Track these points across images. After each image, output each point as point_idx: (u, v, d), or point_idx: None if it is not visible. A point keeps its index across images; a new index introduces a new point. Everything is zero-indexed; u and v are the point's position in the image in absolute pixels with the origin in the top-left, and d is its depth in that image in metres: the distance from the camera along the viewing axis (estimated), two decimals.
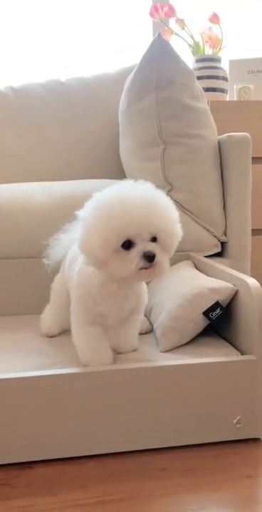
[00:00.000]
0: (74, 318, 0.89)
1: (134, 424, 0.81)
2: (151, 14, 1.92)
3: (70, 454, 0.81)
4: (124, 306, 0.87)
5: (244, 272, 1.33)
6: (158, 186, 1.28)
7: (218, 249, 1.34)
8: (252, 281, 0.87)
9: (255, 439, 0.86)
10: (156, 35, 1.25)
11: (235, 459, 0.81)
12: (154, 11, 1.91)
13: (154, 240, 0.79)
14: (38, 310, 1.11)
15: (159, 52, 1.25)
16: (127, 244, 0.77)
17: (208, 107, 1.34)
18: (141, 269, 0.78)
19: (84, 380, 0.79)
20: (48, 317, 1.07)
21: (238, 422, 0.84)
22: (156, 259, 0.77)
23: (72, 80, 1.89)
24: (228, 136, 1.31)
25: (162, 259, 0.79)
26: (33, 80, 1.90)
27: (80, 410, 0.79)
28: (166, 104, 1.25)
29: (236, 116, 1.70)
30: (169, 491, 0.74)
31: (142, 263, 0.77)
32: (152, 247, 0.78)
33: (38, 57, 2.21)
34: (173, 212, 0.83)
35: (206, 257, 1.31)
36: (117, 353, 0.94)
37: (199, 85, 1.33)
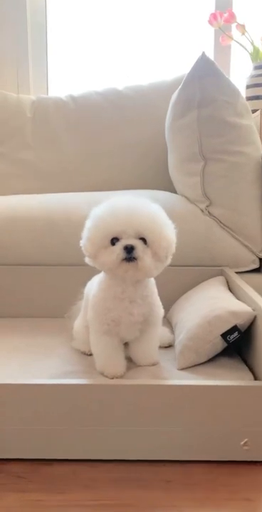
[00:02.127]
0: (92, 329, 0.98)
1: (145, 436, 0.87)
2: (210, 22, 1.93)
3: (85, 457, 0.88)
4: (132, 311, 0.94)
5: None
6: (197, 201, 1.33)
7: (255, 266, 1.35)
8: None
9: None
10: (201, 54, 1.28)
11: (239, 480, 0.84)
12: (213, 18, 1.91)
13: (142, 240, 0.88)
14: None
15: (203, 70, 1.27)
16: (114, 241, 0.89)
17: (253, 123, 1.34)
18: (123, 261, 0.87)
19: (99, 390, 0.86)
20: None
21: (245, 444, 0.87)
22: (137, 253, 0.86)
23: (128, 88, 1.95)
24: None
25: (144, 255, 0.87)
26: (92, 88, 1.99)
27: (95, 418, 0.86)
28: (208, 122, 1.28)
29: None
30: (171, 504, 0.79)
31: (122, 254, 0.87)
32: (133, 241, 0.87)
33: (99, 69, 2.28)
34: (159, 216, 0.92)
35: (244, 272, 1.33)
36: (137, 365, 1.00)
37: (245, 101, 1.34)
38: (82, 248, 0.95)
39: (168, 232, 0.91)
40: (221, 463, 0.88)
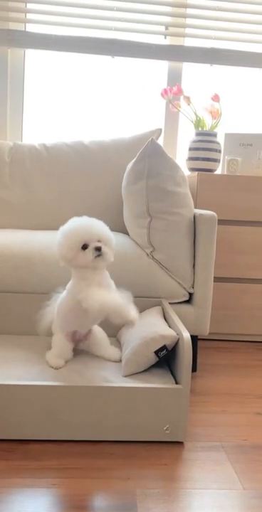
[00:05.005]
0: (55, 331, 1.44)
1: (96, 423, 1.24)
2: (162, 95, 2.36)
3: (53, 438, 1.24)
4: (84, 323, 1.42)
5: (205, 316, 1.76)
6: (144, 246, 1.73)
7: (186, 298, 1.76)
8: (186, 335, 1.29)
9: (179, 442, 1.27)
10: (150, 139, 1.68)
11: (161, 452, 1.23)
12: (164, 93, 2.34)
13: (99, 241, 1.33)
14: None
15: (151, 151, 1.67)
16: (85, 246, 1.32)
17: (188, 191, 1.76)
18: (96, 257, 1.31)
19: (66, 390, 1.22)
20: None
21: (167, 429, 1.26)
22: (103, 250, 1.32)
23: (93, 142, 2.33)
24: (200, 214, 1.73)
25: (107, 250, 1.33)
26: (62, 139, 2.36)
27: (61, 410, 1.22)
28: (153, 190, 1.68)
29: (221, 187, 2.11)
30: (111, 467, 1.16)
31: (95, 253, 1.31)
32: (99, 244, 1.32)
33: (66, 122, 2.66)
34: (106, 226, 1.39)
35: (176, 303, 1.74)
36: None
37: (183, 174, 1.75)
38: (59, 254, 1.35)
39: (113, 236, 1.38)
40: (149, 442, 1.26)
